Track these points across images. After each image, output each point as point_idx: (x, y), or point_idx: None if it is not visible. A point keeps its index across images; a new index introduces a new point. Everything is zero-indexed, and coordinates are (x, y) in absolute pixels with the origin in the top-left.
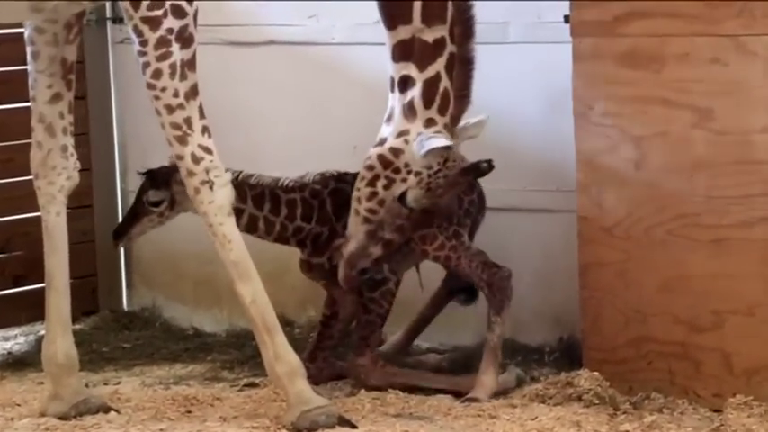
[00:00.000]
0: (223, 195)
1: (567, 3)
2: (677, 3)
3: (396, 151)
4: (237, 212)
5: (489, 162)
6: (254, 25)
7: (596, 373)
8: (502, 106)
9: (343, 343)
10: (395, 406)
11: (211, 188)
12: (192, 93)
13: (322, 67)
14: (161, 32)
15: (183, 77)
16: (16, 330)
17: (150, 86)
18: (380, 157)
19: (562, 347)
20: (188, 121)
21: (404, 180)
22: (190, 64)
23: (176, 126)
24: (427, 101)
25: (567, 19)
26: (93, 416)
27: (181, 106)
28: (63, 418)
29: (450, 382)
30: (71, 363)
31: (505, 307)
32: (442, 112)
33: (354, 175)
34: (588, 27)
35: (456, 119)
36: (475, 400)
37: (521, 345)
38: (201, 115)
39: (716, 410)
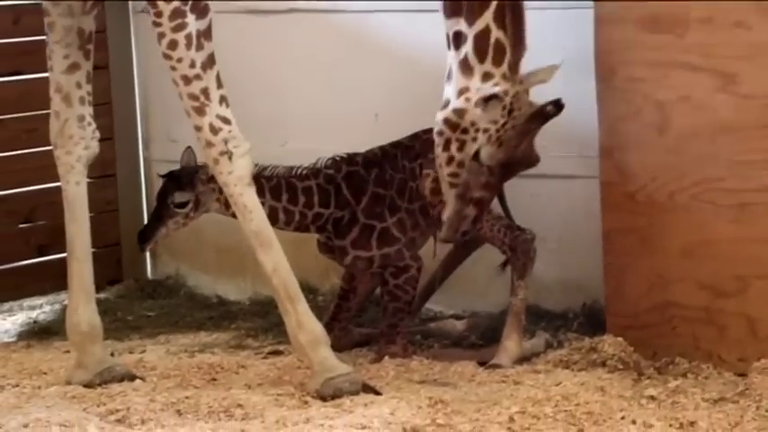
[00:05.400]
0: (242, 165)
1: None
2: None
3: (459, 112)
4: None
5: (557, 103)
6: None
7: (620, 339)
8: (523, 71)
9: (359, 315)
10: (419, 372)
11: (230, 158)
12: (209, 63)
13: (343, 35)
14: (175, 3)
15: (200, 48)
16: (42, 299)
17: (166, 57)
18: (447, 121)
19: (586, 313)
20: (205, 91)
21: (474, 139)
22: (206, 34)
23: (194, 97)
24: (480, 55)
25: None
26: (118, 384)
27: (198, 77)
28: (88, 386)
29: (475, 355)
30: (95, 331)
31: (529, 270)
32: (496, 63)
33: (365, 155)
34: None
35: (514, 66)
36: (498, 366)
37: (544, 311)
38: (219, 85)
39: (740, 375)
